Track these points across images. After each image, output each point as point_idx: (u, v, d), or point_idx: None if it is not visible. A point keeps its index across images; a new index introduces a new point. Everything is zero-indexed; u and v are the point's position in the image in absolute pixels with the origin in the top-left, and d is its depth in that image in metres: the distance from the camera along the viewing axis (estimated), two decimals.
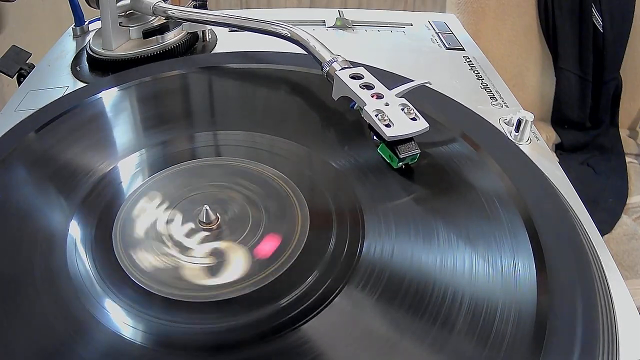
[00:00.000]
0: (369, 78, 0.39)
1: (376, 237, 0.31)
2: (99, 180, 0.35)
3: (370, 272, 0.29)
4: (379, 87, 0.38)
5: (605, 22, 0.85)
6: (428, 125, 0.35)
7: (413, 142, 0.35)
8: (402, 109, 0.36)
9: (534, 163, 0.37)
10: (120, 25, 0.51)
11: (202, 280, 0.29)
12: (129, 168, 0.37)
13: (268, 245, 0.31)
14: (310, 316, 0.27)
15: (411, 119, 0.35)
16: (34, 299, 0.28)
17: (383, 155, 0.36)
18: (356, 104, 0.38)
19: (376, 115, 0.35)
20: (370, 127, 0.36)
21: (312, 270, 0.29)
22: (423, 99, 0.40)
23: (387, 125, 0.35)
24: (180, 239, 0.31)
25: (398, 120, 0.35)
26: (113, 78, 0.47)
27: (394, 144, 0.35)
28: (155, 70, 0.47)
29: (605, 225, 0.75)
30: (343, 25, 0.61)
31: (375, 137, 0.36)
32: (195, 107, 0.45)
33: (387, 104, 0.36)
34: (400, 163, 0.35)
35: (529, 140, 0.42)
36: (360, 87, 0.38)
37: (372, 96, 0.37)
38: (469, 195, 0.34)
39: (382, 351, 0.25)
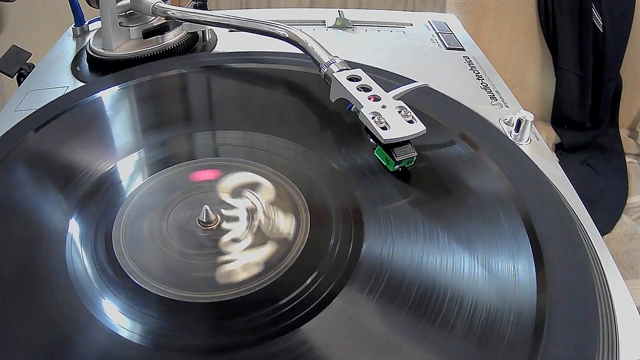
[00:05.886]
0: (366, 80, 0.38)
1: (376, 238, 0.30)
2: (99, 179, 0.35)
3: (370, 272, 0.29)
4: (376, 89, 0.38)
5: (605, 22, 0.85)
6: (425, 128, 0.35)
7: (410, 145, 0.35)
8: (399, 112, 0.36)
9: (534, 163, 0.37)
10: (120, 25, 0.51)
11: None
12: (128, 168, 0.37)
13: None
14: (310, 316, 0.27)
15: (408, 121, 0.35)
16: (33, 298, 0.28)
17: (380, 158, 0.36)
18: (353, 106, 0.38)
19: (373, 118, 0.35)
20: (367, 130, 0.36)
21: (311, 271, 0.29)
22: (423, 98, 0.40)
23: (384, 128, 0.34)
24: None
25: (395, 122, 0.35)
26: (112, 77, 0.47)
27: (390, 147, 0.34)
28: (154, 70, 0.47)
29: (605, 225, 0.75)
30: (343, 25, 0.61)
31: (372, 140, 0.36)
32: (194, 107, 0.45)
33: (384, 107, 0.36)
34: (397, 166, 0.35)
35: (529, 140, 0.42)
36: (358, 89, 0.38)
37: (369, 98, 0.37)
38: (468, 195, 0.34)
39: (381, 352, 0.25)
